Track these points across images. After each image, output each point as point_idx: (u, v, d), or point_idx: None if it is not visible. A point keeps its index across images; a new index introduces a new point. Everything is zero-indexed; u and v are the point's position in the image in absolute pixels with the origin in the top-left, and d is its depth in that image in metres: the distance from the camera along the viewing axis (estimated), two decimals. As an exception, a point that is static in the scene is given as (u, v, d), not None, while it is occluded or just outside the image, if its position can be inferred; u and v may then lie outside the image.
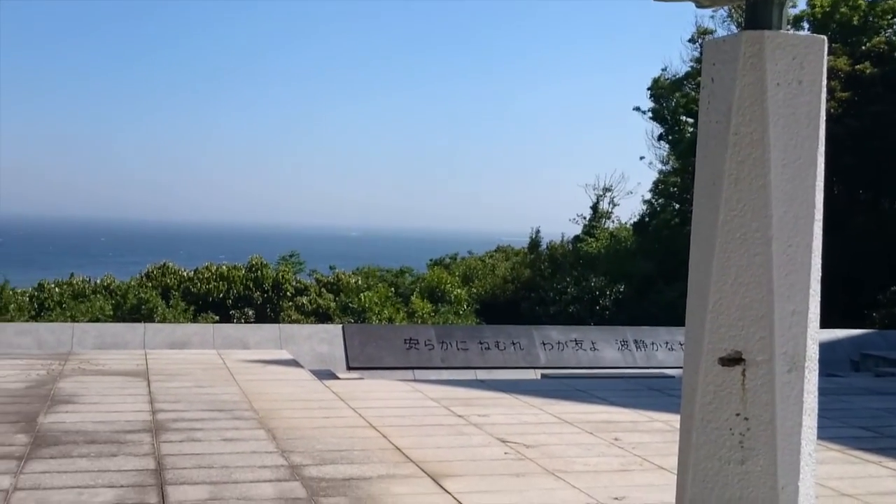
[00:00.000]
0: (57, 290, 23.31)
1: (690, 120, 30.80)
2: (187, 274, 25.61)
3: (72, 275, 25.55)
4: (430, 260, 36.25)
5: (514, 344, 16.91)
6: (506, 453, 8.96)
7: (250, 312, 24.38)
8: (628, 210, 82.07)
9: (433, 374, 15.68)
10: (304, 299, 24.95)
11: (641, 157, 32.77)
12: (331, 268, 29.66)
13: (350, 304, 23.58)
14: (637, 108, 32.26)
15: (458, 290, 25.95)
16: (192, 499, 7.03)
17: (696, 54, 30.62)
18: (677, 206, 30.50)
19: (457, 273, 29.00)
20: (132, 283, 24.83)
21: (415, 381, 13.99)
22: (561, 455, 8.93)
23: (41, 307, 22.12)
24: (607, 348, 17.40)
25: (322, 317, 23.95)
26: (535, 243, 32.96)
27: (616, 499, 7.45)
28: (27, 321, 19.65)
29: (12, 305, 21.72)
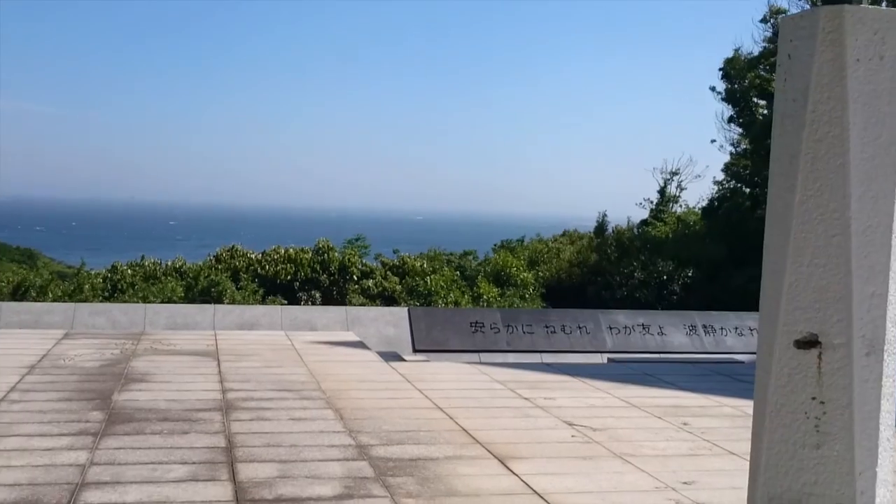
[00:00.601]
0: (129, 271, 23.79)
1: (763, 101, 30.15)
2: (255, 257, 25.93)
3: (143, 257, 26.03)
4: (495, 244, 36.14)
5: (580, 328, 16.82)
6: (573, 436, 8.92)
7: (317, 295, 24.59)
8: (696, 194, 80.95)
9: (499, 358, 15.67)
10: (370, 282, 25.08)
11: (712, 141, 32.00)
12: (394, 251, 29.74)
13: (416, 288, 23.64)
14: (712, 89, 31.65)
15: (524, 274, 25.82)
16: (261, 476, 7.13)
17: (769, 34, 29.95)
18: (748, 189, 29.92)
19: (522, 257, 28.87)
20: (202, 265, 25.23)
21: (480, 363, 14.00)
22: (629, 439, 8.85)
23: (114, 288, 22.60)
24: (675, 333, 17.21)
25: (388, 300, 24.07)
26: (601, 227, 32.62)
27: (685, 483, 7.36)
28: (101, 302, 20.09)
29: (87, 287, 22.25)
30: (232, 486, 6.85)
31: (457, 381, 11.87)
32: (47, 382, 10.58)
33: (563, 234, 35.95)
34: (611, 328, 16.96)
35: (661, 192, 34.52)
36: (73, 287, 22.58)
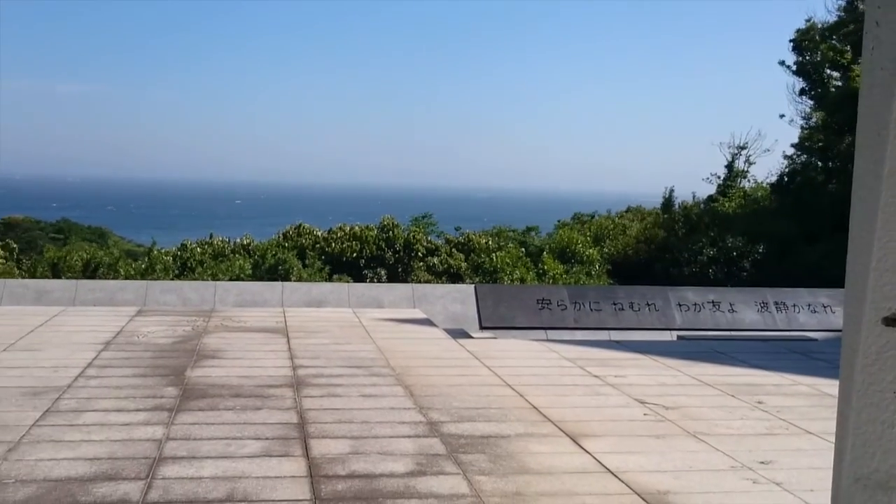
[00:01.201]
0: (199, 249, 24.14)
1: (836, 73, 29.38)
2: (321, 234, 26.10)
3: (211, 235, 26.38)
4: (557, 221, 35.92)
5: (648, 305, 16.62)
6: (645, 414, 8.82)
7: (382, 272, 24.69)
8: (765, 169, 79.48)
9: (566, 335, 15.56)
10: (435, 259, 25.09)
11: (781, 116, 31.21)
12: (456, 229, 29.65)
13: (482, 265, 23.59)
14: (782, 63, 30.89)
15: (590, 250, 25.60)
16: (334, 452, 7.17)
17: (843, 3, 29.13)
18: (821, 163, 29.22)
19: (587, 233, 28.61)
20: (269, 243, 25.50)
21: (548, 341, 13.93)
22: (702, 417, 8.72)
23: (184, 266, 22.95)
24: (746, 310, 16.91)
25: (453, 277, 24.07)
26: (668, 203, 32.12)
27: (762, 463, 7.23)
28: (172, 280, 20.41)
29: (159, 266, 22.63)
30: (305, 462, 6.90)
31: (525, 358, 11.82)
32: (122, 358, 10.78)
33: (628, 211, 35.54)
34: (680, 305, 16.72)
35: (729, 166, 33.83)
36: (144, 265, 22.98)
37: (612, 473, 6.92)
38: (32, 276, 21.16)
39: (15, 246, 25.36)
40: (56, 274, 21.42)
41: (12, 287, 15.34)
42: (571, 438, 7.84)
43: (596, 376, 10.63)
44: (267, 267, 22.16)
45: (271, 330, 13.30)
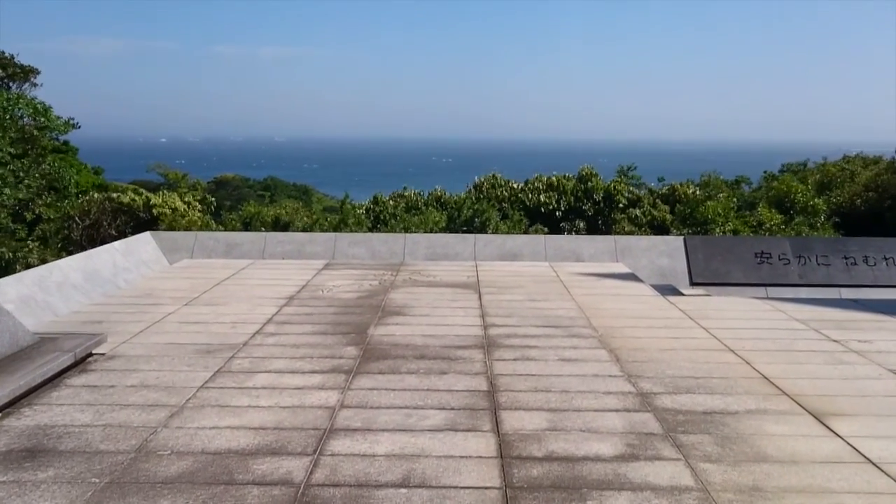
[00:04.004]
0: (391, 203, 23.62)
1: None
2: (517, 186, 25.01)
3: (405, 188, 25.83)
4: (765, 172, 33.53)
5: (886, 259, 14.60)
6: (905, 389, 7.26)
7: (581, 224, 23.39)
8: None
9: (788, 292, 13.88)
10: (637, 211, 23.52)
11: None
12: (659, 180, 27.95)
13: (692, 215, 21.77)
14: None
15: (815, 200, 23.23)
16: (528, 428, 6.10)
17: None
18: None
19: (810, 181, 26.12)
20: (463, 196, 24.62)
21: (769, 299, 12.32)
22: (981, 395, 7.08)
23: (377, 220, 22.47)
24: None
25: (657, 229, 22.46)
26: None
27: None
28: (364, 233, 19.93)
29: (351, 220, 22.23)
30: (495, 439, 5.86)
31: (747, 318, 10.33)
32: (304, 314, 10.11)
33: (855, 157, 32.44)
34: (924, 259, 14.60)
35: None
36: (338, 219, 22.67)
37: (874, 464, 5.53)
38: (226, 230, 21.23)
39: (212, 200, 25.67)
40: (247, 229, 21.41)
41: (203, 239, 15.12)
42: (815, 417, 6.44)
43: (835, 341, 9.06)
44: (463, 219, 21.29)
45: (462, 285, 12.37)
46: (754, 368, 7.84)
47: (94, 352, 8.07)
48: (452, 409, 6.55)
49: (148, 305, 10.56)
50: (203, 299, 11.03)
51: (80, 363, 7.72)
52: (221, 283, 12.20)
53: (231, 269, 13.56)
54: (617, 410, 6.55)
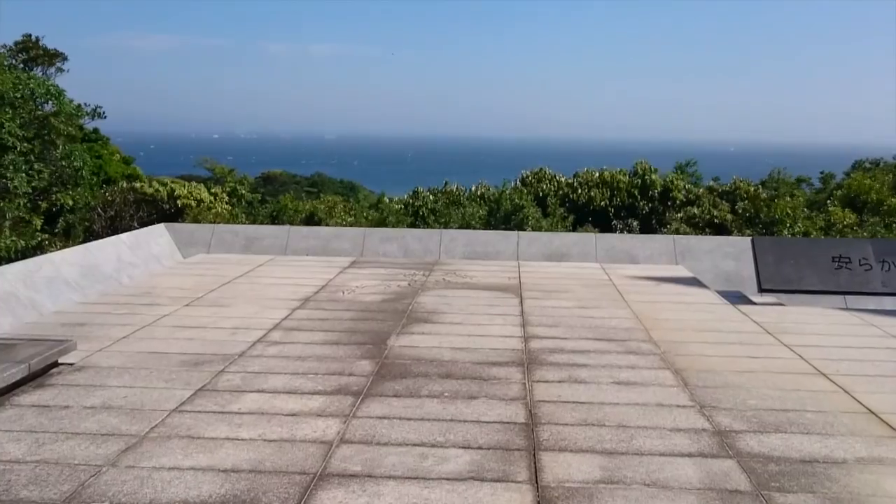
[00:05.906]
0: (431, 197, 22.24)
1: None
2: (565, 180, 23.49)
3: (446, 182, 24.45)
4: (822, 172, 31.87)
5: (982, 265, 12.93)
6: None
7: (634, 223, 21.85)
8: None
9: (871, 302, 12.30)
10: (696, 210, 21.90)
11: None
12: (714, 179, 26.32)
13: (757, 215, 20.04)
14: None
15: (891, 199, 21.42)
16: (576, 479, 4.70)
17: None
18: None
19: (883, 180, 24.27)
20: (507, 190, 23.14)
21: (850, 309, 10.77)
22: None
23: (416, 215, 21.12)
24: None
25: (717, 229, 20.83)
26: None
27: None
28: (394, 228, 18.59)
29: (392, 218, 20.91)
30: (532, 496, 4.48)
31: (835, 334, 8.81)
32: (317, 320, 8.79)
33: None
34: None
35: None
36: (378, 217, 21.37)
37: None
38: (254, 223, 20.02)
39: (244, 193, 24.46)
40: (274, 223, 20.18)
41: (221, 233, 13.89)
42: (950, 471, 4.95)
43: (949, 364, 7.52)
44: (502, 214, 19.82)
45: (501, 288, 10.97)
46: (856, 399, 6.35)
47: (61, 361, 6.82)
48: (480, 447, 5.17)
49: (143, 306, 9.33)
50: (207, 300, 9.77)
51: (40, 375, 6.48)
52: (232, 282, 10.94)
53: (247, 265, 12.31)
54: (690, 455, 5.12)
